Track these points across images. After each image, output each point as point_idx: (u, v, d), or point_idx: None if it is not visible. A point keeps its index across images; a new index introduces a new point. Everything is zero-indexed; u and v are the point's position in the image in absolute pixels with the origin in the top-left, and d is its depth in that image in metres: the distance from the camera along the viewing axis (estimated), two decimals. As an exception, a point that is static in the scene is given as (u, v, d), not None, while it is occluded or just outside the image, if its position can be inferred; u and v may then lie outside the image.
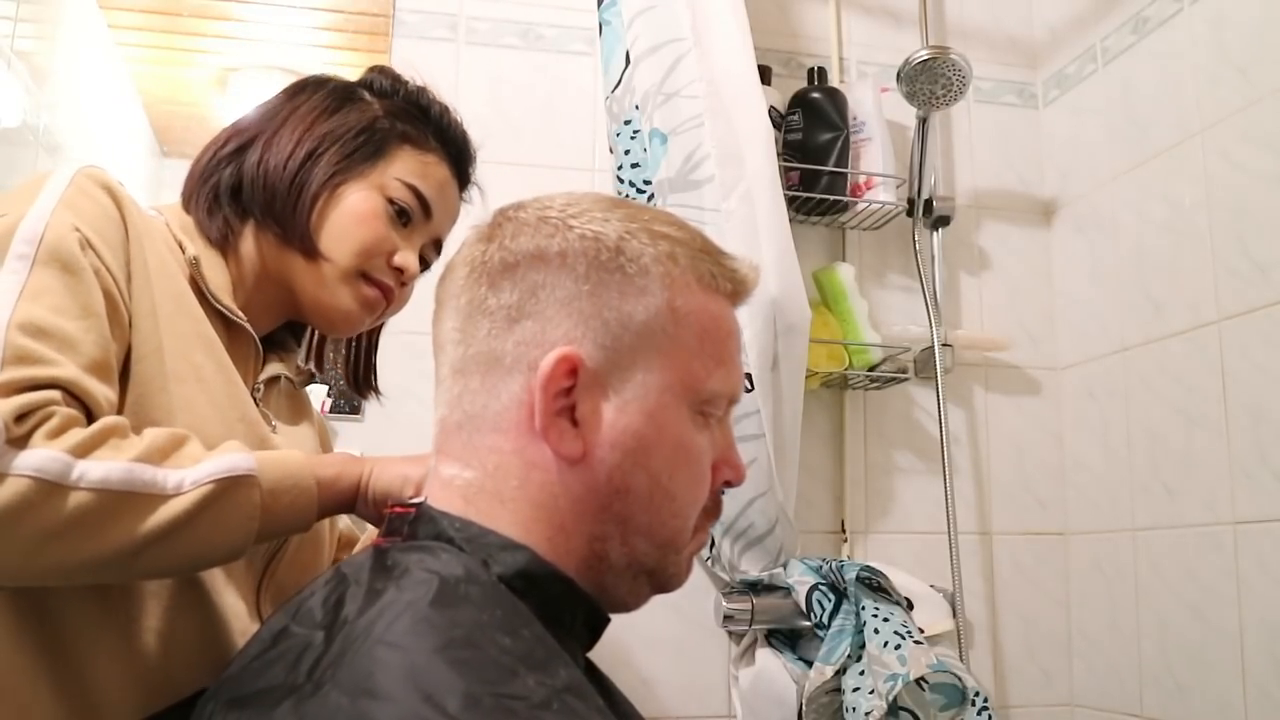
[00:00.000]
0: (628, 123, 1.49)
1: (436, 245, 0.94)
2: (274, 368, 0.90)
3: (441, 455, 0.67)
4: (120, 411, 0.71)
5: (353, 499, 0.78)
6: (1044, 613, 1.72)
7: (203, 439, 0.74)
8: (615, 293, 0.63)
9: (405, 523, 0.64)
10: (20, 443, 0.61)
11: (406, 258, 0.88)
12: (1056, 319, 1.81)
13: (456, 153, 0.94)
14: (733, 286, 0.68)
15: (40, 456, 0.61)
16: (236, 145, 0.87)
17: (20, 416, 0.61)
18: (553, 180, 1.68)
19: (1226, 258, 1.44)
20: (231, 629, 0.77)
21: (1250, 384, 1.39)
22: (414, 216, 0.89)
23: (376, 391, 1.02)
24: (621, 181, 1.50)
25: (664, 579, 0.66)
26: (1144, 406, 1.58)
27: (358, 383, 1.01)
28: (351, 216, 0.85)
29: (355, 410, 1.58)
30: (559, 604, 0.62)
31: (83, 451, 0.63)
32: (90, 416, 0.67)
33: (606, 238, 0.64)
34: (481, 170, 1.66)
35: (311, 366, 1.00)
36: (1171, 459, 1.52)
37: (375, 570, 0.59)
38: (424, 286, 1.60)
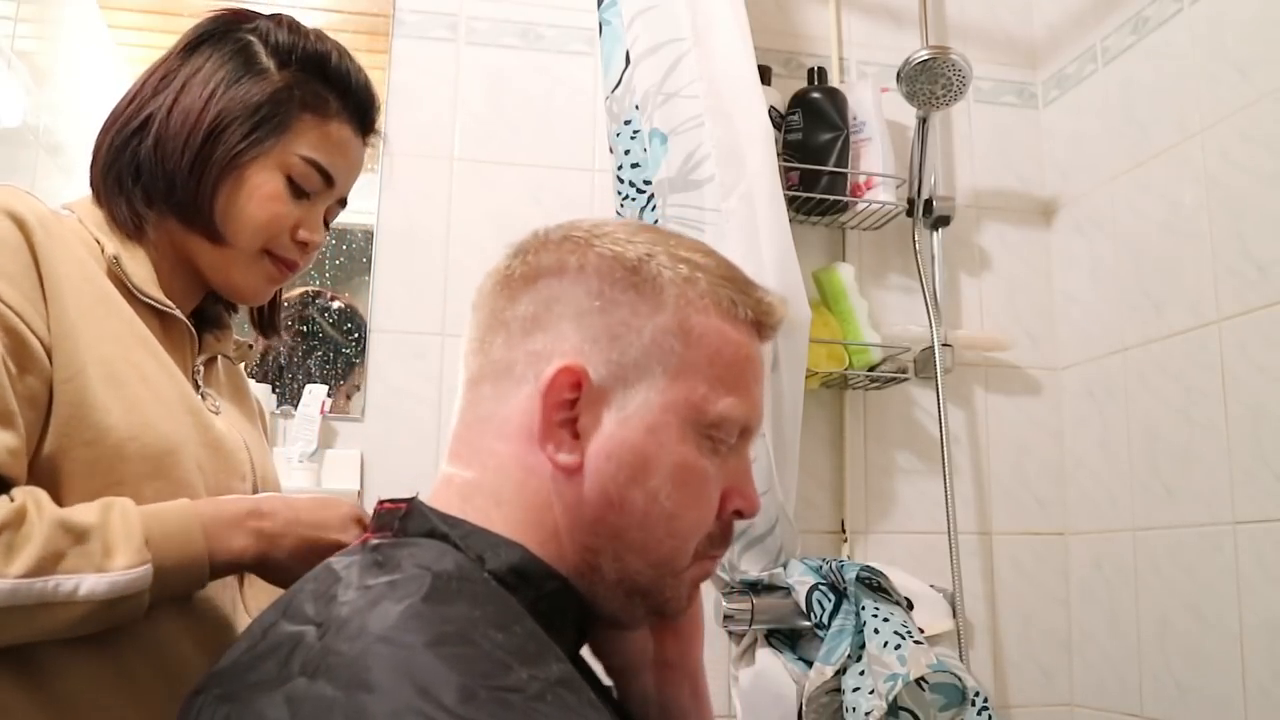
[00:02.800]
0: (628, 123, 1.49)
1: (341, 202, 0.92)
2: (209, 349, 0.89)
3: (448, 457, 0.67)
4: (42, 439, 0.70)
5: (257, 571, 0.77)
6: (1044, 612, 1.72)
7: (153, 435, 0.74)
8: (627, 310, 0.63)
9: (395, 518, 0.64)
10: None
11: (311, 234, 0.87)
12: (1056, 319, 1.81)
13: (360, 106, 0.90)
14: (755, 316, 0.66)
15: None
16: (136, 124, 0.83)
17: None
18: (552, 180, 1.69)
19: (1226, 257, 1.44)
20: (219, 626, 0.77)
21: (1250, 384, 1.39)
22: (315, 190, 0.87)
23: (280, 333, 0.99)
24: (621, 181, 1.50)
25: (660, 601, 0.65)
26: (1144, 406, 1.58)
27: (264, 326, 0.98)
28: (254, 201, 0.83)
29: (355, 410, 1.58)
30: (551, 601, 0.62)
31: None
32: None
33: (625, 257, 0.64)
34: (482, 170, 1.68)
35: (253, 341, 0.98)
36: (1171, 459, 1.52)
37: (365, 566, 0.59)
38: (425, 287, 1.61)
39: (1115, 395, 1.65)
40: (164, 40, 1.65)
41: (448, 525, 0.62)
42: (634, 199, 1.48)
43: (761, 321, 0.67)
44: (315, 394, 1.53)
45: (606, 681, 0.71)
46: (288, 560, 0.75)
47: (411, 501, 0.65)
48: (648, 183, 1.46)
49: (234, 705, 0.53)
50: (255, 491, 0.84)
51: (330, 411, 1.55)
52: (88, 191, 0.84)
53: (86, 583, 0.66)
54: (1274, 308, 1.36)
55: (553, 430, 0.61)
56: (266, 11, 0.90)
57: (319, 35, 0.89)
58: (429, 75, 1.67)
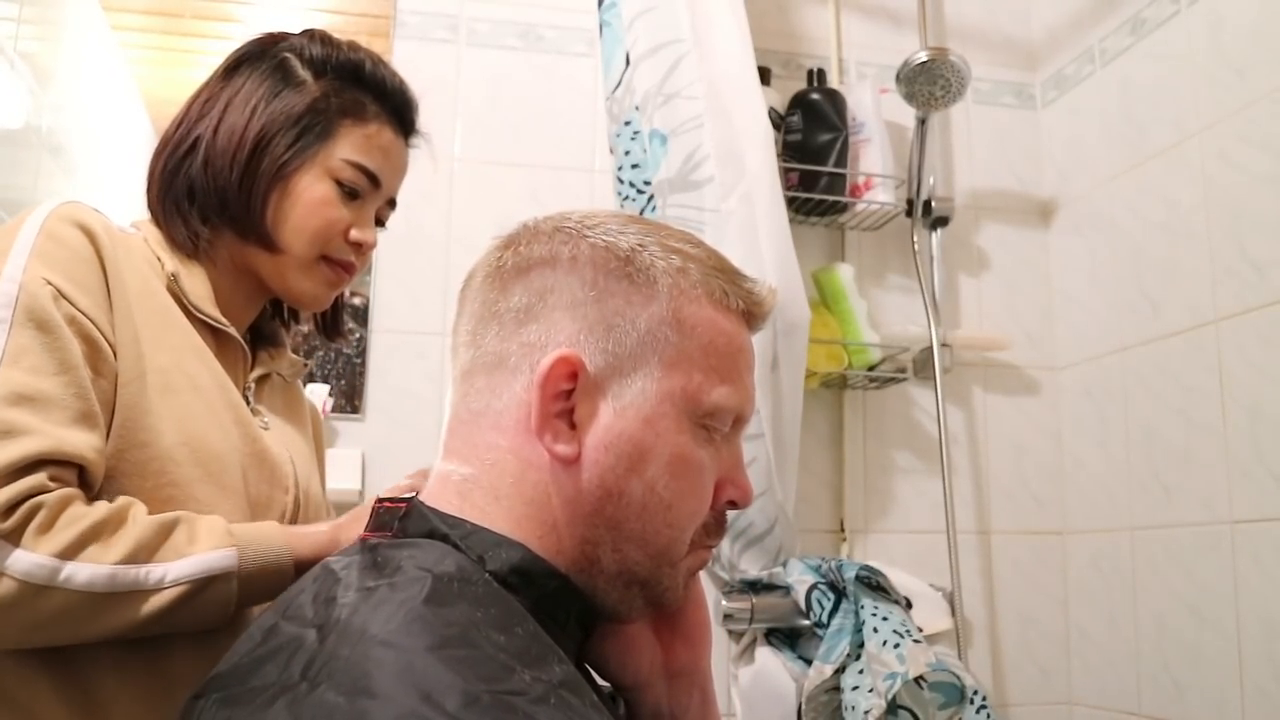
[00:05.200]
0: (628, 123, 1.49)
1: (390, 203, 0.96)
2: (263, 366, 0.92)
3: (444, 453, 0.67)
4: (107, 435, 0.74)
5: None
6: (1042, 611, 1.73)
7: (201, 443, 0.77)
8: (621, 300, 0.63)
9: (395, 518, 0.64)
10: (11, 538, 0.65)
11: (363, 233, 0.90)
12: (1055, 319, 1.82)
13: (397, 109, 0.93)
14: (746, 306, 0.67)
15: (29, 561, 0.65)
16: (185, 148, 0.87)
17: (7, 510, 0.65)
18: (552, 181, 1.69)
19: (1224, 258, 1.44)
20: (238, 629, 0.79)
21: (1247, 384, 1.39)
22: (364, 192, 0.90)
23: (344, 336, 1.04)
24: (622, 182, 1.51)
25: (658, 592, 0.65)
26: (1142, 406, 1.59)
27: (327, 330, 1.02)
28: (304, 207, 0.86)
29: (355, 410, 1.58)
30: (553, 600, 0.62)
31: (71, 552, 0.67)
32: (82, 473, 0.71)
33: (618, 248, 0.64)
34: (482, 170, 1.68)
35: (306, 359, 1.01)
36: (1169, 458, 1.53)
37: (364, 567, 0.59)
38: (426, 287, 1.61)
39: (1113, 395, 1.66)
40: (167, 41, 1.66)
41: (448, 526, 0.62)
42: (634, 199, 1.48)
43: (751, 311, 0.68)
44: (317, 393, 1.53)
45: (604, 685, 0.71)
46: None
47: (411, 501, 0.65)
48: (648, 183, 1.47)
49: (235, 709, 0.53)
50: (296, 504, 0.87)
51: (331, 411, 1.56)
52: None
53: (174, 568, 0.70)
54: (1271, 308, 1.36)
55: (549, 421, 0.61)
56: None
57: (352, 45, 0.92)
58: (430, 76, 1.67)
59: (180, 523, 0.72)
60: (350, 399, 1.59)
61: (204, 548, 0.72)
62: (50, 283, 0.72)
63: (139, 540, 0.69)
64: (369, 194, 0.90)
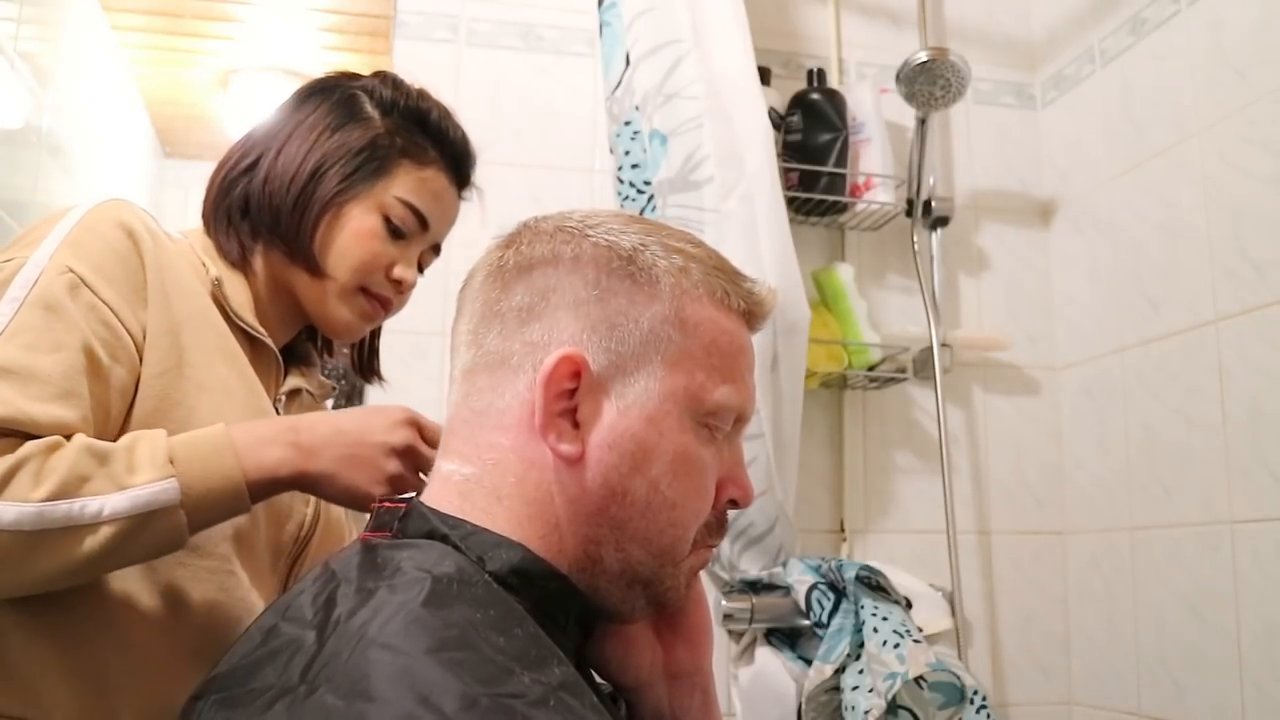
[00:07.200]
0: (628, 124, 1.49)
1: (435, 249, 0.98)
2: (294, 381, 0.94)
3: (444, 453, 0.67)
4: (125, 427, 0.73)
5: (298, 486, 0.77)
6: (1042, 611, 1.73)
7: None
8: (624, 299, 0.63)
9: (394, 518, 0.64)
10: None
11: (405, 271, 0.92)
12: (1055, 319, 1.82)
13: (455, 158, 0.97)
14: (747, 306, 0.67)
15: None
16: (246, 164, 0.90)
17: None
18: (552, 181, 1.69)
19: (1224, 258, 1.44)
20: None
21: (1248, 384, 1.39)
22: (411, 232, 0.92)
23: (380, 376, 1.06)
24: (622, 182, 1.51)
25: (660, 591, 0.65)
26: (1142, 406, 1.59)
27: (363, 369, 1.05)
28: (352, 237, 0.89)
29: (356, 410, 1.58)
30: (553, 601, 0.62)
31: None
32: None
33: (620, 247, 0.64)
34: (482, 170, 1.67)
35: (331, 380, 1.04)
36: (1169, 458, 1.53)
37: (364, 568, 0.59)
38: (427, 287, 1.61)
39: (1113, 395, 1.66)
40: (167, 42, 1.67)
41: (448, 526, 0.62)
42: (634, 199, 1.49)
43: (752, 311, 0.68)
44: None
45: (602, 684, 0.71)
46: (332, 471, 0.76)
47: (410, 501, 0.65)
48: (648, 183, 1.47)
49: (234, 711, 0.53)
50: (315, 517, 0.88)
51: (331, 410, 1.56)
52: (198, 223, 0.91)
53: (110, 502, 0.67)
54: (1271, 308, 1.36)
55: (553, 420, 0.61)
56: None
57: (422, 94, 0.96)
58: (430, 77, 1.65)
59: (117, 451, 0.69)
60: (350, 399, 1.59)
61: (143, 478, 0.68)
62: (72, 270, 0.73)
63: (69, 472, 0.66)
64: (415, 235, 0.92)
